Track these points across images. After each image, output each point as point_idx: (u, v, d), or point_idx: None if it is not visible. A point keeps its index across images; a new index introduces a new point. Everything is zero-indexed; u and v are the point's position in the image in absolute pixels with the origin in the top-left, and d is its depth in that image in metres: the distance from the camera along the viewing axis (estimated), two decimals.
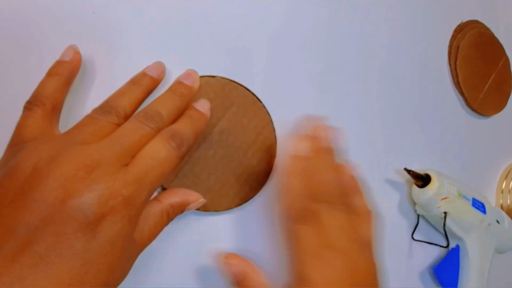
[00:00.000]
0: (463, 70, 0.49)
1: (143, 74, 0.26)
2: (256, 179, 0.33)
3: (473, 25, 0.52)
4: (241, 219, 0.33)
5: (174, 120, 0.24)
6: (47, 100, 0.23)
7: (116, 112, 0.22)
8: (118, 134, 0.21)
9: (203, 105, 0.26)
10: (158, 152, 0.21)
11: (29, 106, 0.23)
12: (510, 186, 0.53)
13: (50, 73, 0.25)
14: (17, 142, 0.21)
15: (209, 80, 0.32)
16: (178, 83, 0.27)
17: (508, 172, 0.54)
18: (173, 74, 0.31)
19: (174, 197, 0.25)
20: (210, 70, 0.33)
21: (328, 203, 0.26)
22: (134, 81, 0.26)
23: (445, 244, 0.40)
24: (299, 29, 0.38)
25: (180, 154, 0.22)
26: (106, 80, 0.29)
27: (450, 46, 0.50)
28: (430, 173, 0.40)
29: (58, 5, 0.27)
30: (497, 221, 0.42)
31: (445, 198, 0.38)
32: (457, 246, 0.40)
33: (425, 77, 0.47)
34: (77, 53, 0.25)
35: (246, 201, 0.33)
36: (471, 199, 0.39)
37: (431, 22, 0.49)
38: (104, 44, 0.29)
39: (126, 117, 0.23)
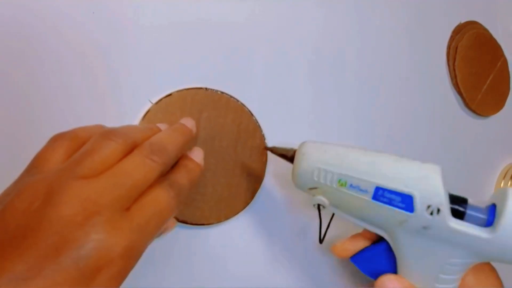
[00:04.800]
0: (462, 71, 0.50)
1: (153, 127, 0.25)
2: (256, 167, 0.33)
3: (472, 26, 0.52)
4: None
5: (177, 158, 0.23)
6: (78, 138, 0.21)
7: (124, 139, 0.20)
8: (121, 169, 0.19)
9: (197, 155, 0.26)
10: (160, 200, 0.20)
11: (57, 138, 0.21)
12: (509, 186, 0.53)
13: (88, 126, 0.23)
14: (27, 172, 0.20)
15: (172, 95, 0.30)
16: (181, 124, 0.26)
17: (507, 172, 0.54)
18: (172, 73, 0.31)
19: None
20: (206, 71, 0.33)
21: None
22: (150, 126, 0.24)
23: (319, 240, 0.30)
24: (299, 30, 0.38)
25: (178, 202, 0.21)
26: (106, 80, 0.29)
27: (449, 47, 0.50)
28: (297, 150, 0.28)
29: (58, 5, 0.27)
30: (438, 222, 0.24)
31: (313, 188, 0.27)
32: (383, 244, 0.28)
33: (424, 77, 0.48)
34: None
35: (257, 192, 0.33)
36: (372, 190, 0.24)
37: (430, 23, 0.49)
38: (104, 44, 0.29)
39: (133, 148, 0.21)
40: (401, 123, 0.45)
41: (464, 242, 0.23)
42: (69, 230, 0.16)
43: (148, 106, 0.30)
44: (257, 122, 0.33)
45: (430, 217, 0.23)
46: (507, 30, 0.57)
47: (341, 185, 0.26)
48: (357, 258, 0.29)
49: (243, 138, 0.33)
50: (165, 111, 0.30)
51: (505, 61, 0.55)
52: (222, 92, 0.32)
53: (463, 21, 0.52)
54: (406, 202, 0.24)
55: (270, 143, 0.34)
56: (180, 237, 0.30)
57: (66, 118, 0.27)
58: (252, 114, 0.33)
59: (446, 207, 0.23)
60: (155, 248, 0.29)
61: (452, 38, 0.51)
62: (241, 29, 0.35)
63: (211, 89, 0.32)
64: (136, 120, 0.29)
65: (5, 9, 0.26)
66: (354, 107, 0.41)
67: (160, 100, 0.30)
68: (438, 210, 0.23)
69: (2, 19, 0.26)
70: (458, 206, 0.24)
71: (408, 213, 0.24)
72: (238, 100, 0.33)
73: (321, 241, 0.30)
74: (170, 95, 0.30)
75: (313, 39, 0.39)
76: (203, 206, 0.31)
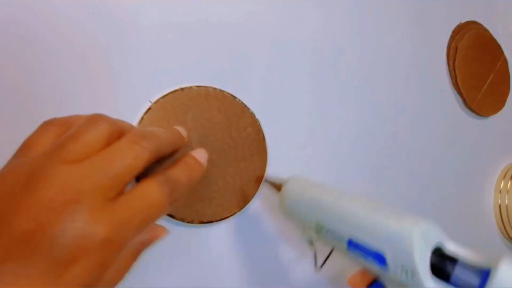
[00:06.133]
0: (462, 71, 0.50)
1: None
2: (257, 144, 0.33)
3: (472, 26, 0.52)
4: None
5: (169, 153, 0.22)
6: (68, 123, 0.20)
7: (110, 124, 0.19)
8: (107, 154, 0.18)
9: (201, 155, 0.25)
10: (150, 194, 0.19)
11: (47, 123, 0.20)
12: (508, 186, 0.53)
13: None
14: (15, 156, 0.19)
15: (151, 108, 0.30)
16: (173, 127, 0.25)
17: (506, 172, 0.54)
18: (172, 73, 0.31)
19: (143, 234, 0.22)
20: (207, 71, 0.33)
21: None
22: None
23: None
24: (299, 31, 0.38)
25: (171, 200, 0.20)
26: (106, 81, 0.29)
27: (449, 47, 0.50)
28: (282, 187, 0.28)
29: (58, 5, 0.27)
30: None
31: (304, 224, 0.27)
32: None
33: (424, 77, 0.48)
34: None
35: (265, 166, 0.34)
36: (346, 239, 0.23)
37: (430, 23, 0.49)
38: (104, 44, 0.29)
39: (121, 136, 0.20)
40: (401, 123, 0.45)
41: None
42: (45, 216, 0.15)
43: (147, 105, 0.30)
44: (242, 102, 0.33)
45: (404, 277, 0.21)
46: (507, 30, 0.57)
47: (318, 229, 0.25)
48: None
49: (234, 123, 0.32)
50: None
51: (505, 61, 0.55)
52: (198, 86, 0.31)
53: (463, 21, 0.52)
54: (378, 258, 0.22)
55: (270, 141, 0.35)
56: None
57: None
58: (234, 97, 0.33)
59: (422, 269, 0.20)
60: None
61: (452, 38, 0.51)
62: (241, 29, 0.35)
63: (186, 88, 0.31)
64: (134, 121, 0.29)
65: (5, 9, 0.26)
66: (354, 107, 0.41)
67: (142, 118, 0.29)
68: (413, 272, 0.20)
69: (2, 19, 0.26)
70: (444, 266, 0.20)
71: (382, 269, 0.22)
72: (215, 88, 0.32)
73: (317, 268, 0.29)
74: (149, 109, 0.29)
75: (313, 39, 0.39)
76: (222, 201, 0.31)
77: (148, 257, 0.29)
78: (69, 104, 0.27)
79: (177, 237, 0.30)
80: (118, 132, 0.20)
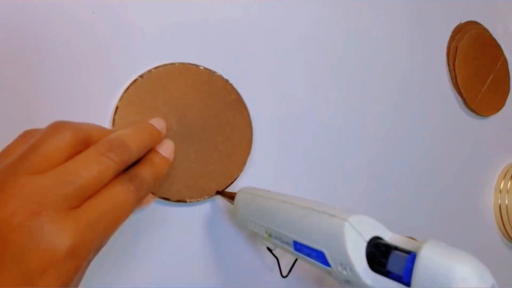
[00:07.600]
0: (462, 71, 0.50)
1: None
2: (235, 104, 0.33)
3: (472, 26, 0.52)
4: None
5: (139, 157, 0.22)
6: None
7: (72, 132, 0.18)
8: (72, 166, 0.18)
9: (166, 148, 0.24)
10: (116, 195, 0.19)
11: (26, 133, 0.20)
12: (508, 186, 0.53)
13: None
14: None
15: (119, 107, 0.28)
16: (148, 124, 0.24)
17: (506, 172, 0.54)
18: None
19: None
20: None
21: None
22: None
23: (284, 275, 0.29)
24: (298, 29, 0.38)
25: (138, 198, 0.20)
26: (105, 81, 0.29)
27: (449, 47, 0.50)
28: (237, 196, 0.29)
29: (58, 5, 0.27)
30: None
31: (257, 233, 0.28)
32: None
33: (424, 77, 0.48)
34: None
35: (252, 130, 0.33)
36: (291, 243, 0.24)
37: (430, 23, 0.49)
38: (104, 44, 0.29)
39: (87, 144, 0.19)
40: (401, 123, 0.45)
41: None
42: (9, 232, 0.15)
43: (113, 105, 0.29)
44: (205, 67, 0.32)
45: (346, 273, 0.21)
46: (507, 30, 0.57)
47: (269, 235, 0.26)
48: None
49: (206, 90, 0.31)
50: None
51: (505, 61, 0.55)
52: (156, 67, 0.30)
53: (463, 21, 0.52)
54: (320, 257, 0.22)
55: (268, 133, 0.34)
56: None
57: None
58: (196, 65, 0.31)
59: (357, 261, 0.20)
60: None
61: (452, 38, 0.51)
62: (239, 27, 0.35)
63: (145, 73, 0.29)
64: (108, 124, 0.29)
65: (5, 9, 0.26)
66: (353, 107, 0.41)
67: (113, 119, 0.28)
68: (350, 266, 0.20)
69: (2, 19, 0.26)
70: (380, 255, 0.20)
71: (326, 267, 0.22)
72: (174, 63, 0.30)
73: (283, 275, 0.29)
74: (117, 108, 0.28)
75: (312, 40, 0.39)
76: (222, 171, 0.31)
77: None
78: (67, 105, 0.27)
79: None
80: (84, 138, 0.19)
